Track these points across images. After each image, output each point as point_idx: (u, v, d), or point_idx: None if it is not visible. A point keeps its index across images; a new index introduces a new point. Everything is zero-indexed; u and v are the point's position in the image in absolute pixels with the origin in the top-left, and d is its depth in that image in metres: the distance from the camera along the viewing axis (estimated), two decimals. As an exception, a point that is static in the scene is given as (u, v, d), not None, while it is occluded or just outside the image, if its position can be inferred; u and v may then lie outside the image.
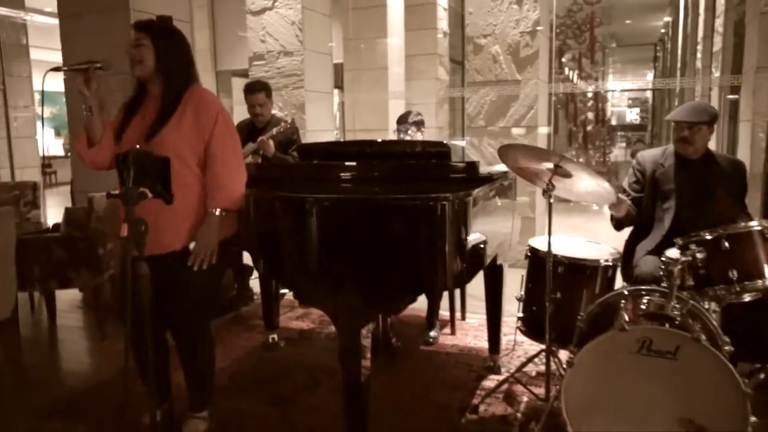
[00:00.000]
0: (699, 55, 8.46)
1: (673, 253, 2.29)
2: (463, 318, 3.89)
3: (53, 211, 5.96)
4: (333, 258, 2.11)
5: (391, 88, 7.52)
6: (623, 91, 21.54)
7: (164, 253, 2.24)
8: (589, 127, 11.96)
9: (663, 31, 14.95)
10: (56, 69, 2.33)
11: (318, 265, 2.12)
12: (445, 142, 3.17)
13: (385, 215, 2.06)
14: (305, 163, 3.24)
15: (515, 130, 5.42)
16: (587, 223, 7.16)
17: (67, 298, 4.28)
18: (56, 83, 3.36)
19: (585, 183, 2.45)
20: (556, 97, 10.85)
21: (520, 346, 3.34)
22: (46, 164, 10.53)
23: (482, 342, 3.38)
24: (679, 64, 11.57)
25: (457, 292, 3.82)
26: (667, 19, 13.59)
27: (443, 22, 8.78)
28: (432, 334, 3.56)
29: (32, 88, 8.35)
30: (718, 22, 6.85)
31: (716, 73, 6.85)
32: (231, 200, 2.31)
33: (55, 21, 4.34)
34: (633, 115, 21.96)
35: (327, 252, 2.11)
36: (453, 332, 3.68)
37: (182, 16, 4.41)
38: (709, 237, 2.25)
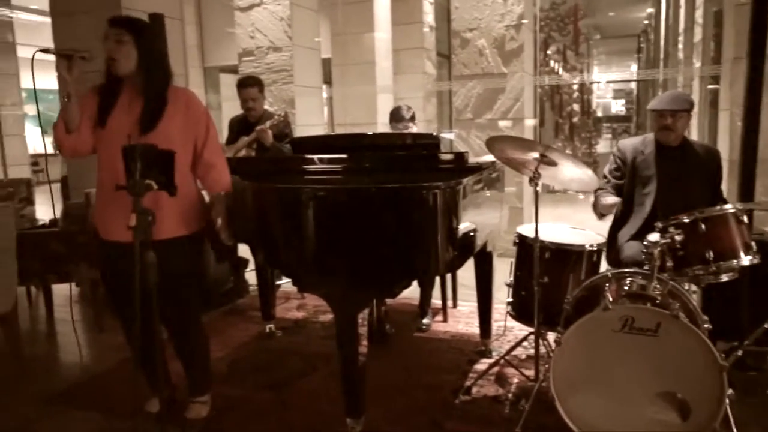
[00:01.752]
0: (680, 46, 8.62)
1: (653, 237, 2.39)
2: (455, 306, 4.00)
3: (43, 209, 6.00)
4: (330, 246, 2.20)
5: (379, 82, 7.59)
6: (608, 83, 21.73)
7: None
8: (575, 119, 12.08)
9: (646, 22, 15.14)
10: (45, 50, 2.35)
11: (316, 253, 2.20)
12: (434, 134, 3.26)
13: (380, 204, 2.15)
14: (300, 156, 3.32)
15: (502, 123, 5.53)
16: (574, 213, 7.29)
17: (64, 293, 4.33)
18: (44, 80, 3.35)
19: (570, 171, 2.55)
20: (542, 90, 10.98)
21: (510, 331, 3.45)
22: (35, 162, 10.49)
23: (473, 328, 3.48)
24: (662, 55, 11.74)
25: (449, 281, 3.92)
26: (650, 10, 13.76)
27: (429, 16, 8.87)
28: (425, 321, 3.66)
29: (20, 86, 8.30)
30: (698, 14, 6.99)
31: (697, 64, 6.99)
32: (231, 184, 2.52)
33: (42, 18, 4.37)
34: (618, 107, 22.17)
35: (324, 241, 2.19)
36: (445, 319, 3.78)
37: (173, 13, 4.46)
38: (686, 220, 2.36)
